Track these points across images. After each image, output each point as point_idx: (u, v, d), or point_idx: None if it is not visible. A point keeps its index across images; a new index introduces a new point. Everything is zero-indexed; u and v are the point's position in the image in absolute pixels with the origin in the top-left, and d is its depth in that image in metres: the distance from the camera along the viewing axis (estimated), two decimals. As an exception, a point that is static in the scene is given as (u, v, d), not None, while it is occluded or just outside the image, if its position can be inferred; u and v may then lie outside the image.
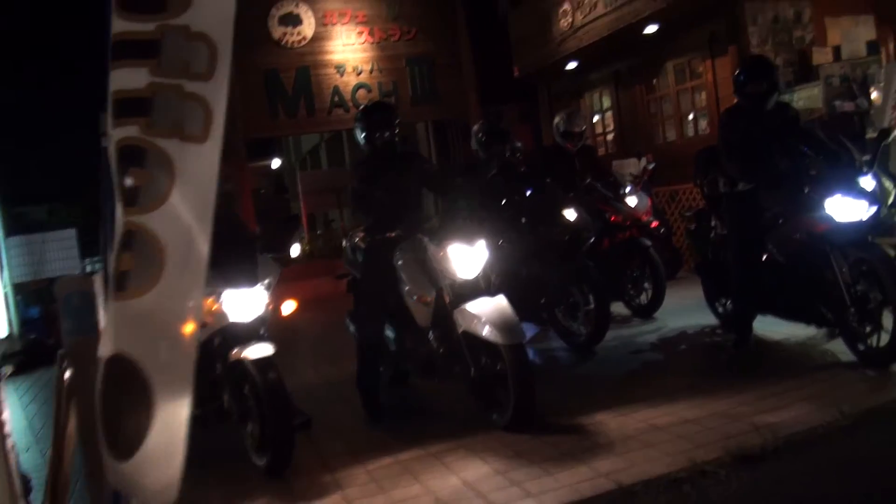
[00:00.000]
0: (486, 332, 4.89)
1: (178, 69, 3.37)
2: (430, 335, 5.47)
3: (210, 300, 4.94)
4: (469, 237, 5.20)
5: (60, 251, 12.85)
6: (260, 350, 4.79)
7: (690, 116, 12.16)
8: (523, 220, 7.19)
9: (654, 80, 12.65)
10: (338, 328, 6.84)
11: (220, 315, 4.96)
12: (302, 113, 14.22)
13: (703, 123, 11.78)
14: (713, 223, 7.05)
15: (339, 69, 14.36)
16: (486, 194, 6.62)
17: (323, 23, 14.37)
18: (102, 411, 3.25)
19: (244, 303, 4.96)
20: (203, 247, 3.47)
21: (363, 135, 5.91)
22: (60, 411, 3.74)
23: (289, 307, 5.52)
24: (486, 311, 4.96)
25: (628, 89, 13.21)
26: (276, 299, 5.42)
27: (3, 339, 11.04)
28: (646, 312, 8.08)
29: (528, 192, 7.51)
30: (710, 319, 7.18)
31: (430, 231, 5.43)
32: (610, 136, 14.13)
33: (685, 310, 7.98)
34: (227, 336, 4.99)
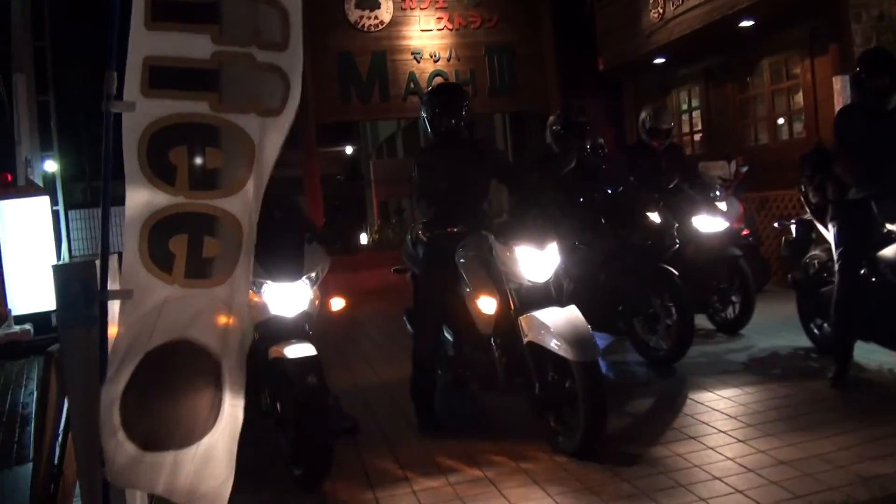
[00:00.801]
0: (555, 345, 4.30)
1: (247, 37, 3.01)
2: (492, 342, 4.91)
3: (252, 293, 4.48)
4: (540, 239, 4.64)
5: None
6: (301, 350, 4.30)
7: (784, 119, 11.37)
8: (602, 220, 6.60)
9: (748, 79, 11.88)
10: (401, 322, 6.34)
11: (261, 307, 4.50)
12: (376, 99, 13.70)
13: (798, 126, 10.98)
14: (813, 234, 6.40)
15: (416, 55, 13.82)
16: (561, 191, 6.03)
17: (401, 7, 13.82)
18: (144, 400, 2.98)
19: (286, 297, 4.48)
20: (254, 228, 3.20)
21: (428, 119, 5.41)
22: (49, 408, 3.34)
23: (338, 304, 5.03)
24: (557, 321, 4.37)
25: (719, 87, 12.44)
26: (326, 293, 4.92)
27: (53, 311, 10.81)
28: (732, 328, 7.41)
29: (609, 191, 6.93)
30: (802, 340, 6.52)
31: (496, 228, 4.86)
32: (697, 137, 13.37)
33: (774, 327, 7.32)
34: (269, 330, 4.51)
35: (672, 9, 11.32)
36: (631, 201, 6.67)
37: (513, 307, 4.66)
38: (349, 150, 24.12)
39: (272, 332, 4.48)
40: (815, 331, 6.38)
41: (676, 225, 6.85)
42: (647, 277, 6.42)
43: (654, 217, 6.54)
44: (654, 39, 11.99)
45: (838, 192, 5.57)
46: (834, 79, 9.53)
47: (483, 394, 5.59)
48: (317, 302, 4.75)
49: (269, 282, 4.47)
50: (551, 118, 7.40)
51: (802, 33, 10.24)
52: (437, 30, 13.99)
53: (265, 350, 4.41)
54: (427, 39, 13.94)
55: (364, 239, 16.71)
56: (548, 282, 4.66)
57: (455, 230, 4.99)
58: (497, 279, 4.76)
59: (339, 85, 13.49)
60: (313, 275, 4.65)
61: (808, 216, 6.45)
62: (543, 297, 4.61)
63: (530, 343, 4.48)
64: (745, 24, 10.51)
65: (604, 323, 6.50)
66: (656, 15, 11.75)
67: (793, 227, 6.68)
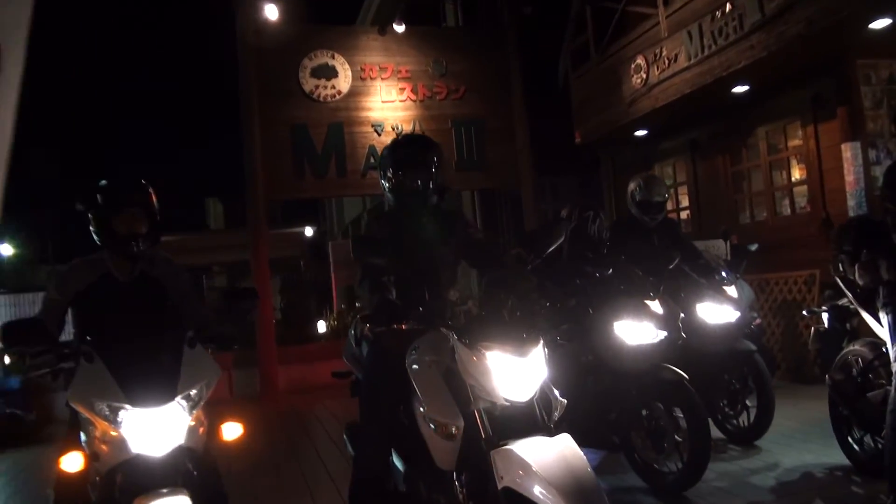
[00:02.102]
0: (541, 494, 2.96)
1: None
2: (455, 479, 3.58)
3: (104, 423, 3.16)
4: (520, 341, 3.34)
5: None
6: (171, 506, 2.98)
7: (784, 193, 10.29)
8: (590, 311, 5.37)
9: (741, 150, 10.80)
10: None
11: (118, 444, 3.17)
12: (332, 174, 12.50)
13: (801, 200, 9.87)
14: (848, 325, 5.23)
15: (377, 127, 12.70)
16: (548, 275, 4.77)
17: (361, 77, 12.77)
18: None
19: (153, 427, 3.15)
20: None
21: (387, 179, 4.23)
22: None
23: (233, 431, 3.67)
24: (545, 460, 3.05)
25: (708, 160, 11.37)
26: (213, 417, 3.58)
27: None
28: (746, 438, 6.16)
29: (597, 275, 5.71)
30: (836, 455, 5.32)
31: (459, 324, 3.58)
32: (684, 214, 12.24)
33: (796, 437, 6.17)
34: (131, 476, 3.18)
35: (657, 73, 10.27)
36: (626, 287, 5.45)
37: (483, 436, 3.33)
38: (309, 231, 23.01)
39: (136, 478, 3.14)
40: (855, 445, 5.20)
41: (682, 315, 5.66)
42: (650, 381, 5.17)
43: (655, 306, 5.33)
44: (637, 108, 10.93)
45: (894, 270, 4.39)
46: (843, 146, 8.51)
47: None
48: (201, 430, 3.41)
49: (127, 406, 3.15)
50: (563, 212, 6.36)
51: (804, 98, 9.21)
52: (400, 101, 12.94)
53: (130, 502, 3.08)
54: (389, 111, 12.87)
55: (322, 327, 15.50)
56: (532, 401, 3.36)
57: (404, 326, 3.67)
58: (461, 395, 3.46)
59: (292, 159, 12.31)
60: (193, 392, 3.32)
61: (843, 302, 5.28)
62: (526, 423, 3.29)
63: (507, 489, 3.16)
64: (739, 89, 9.50)
65: (593, 436, 5.22)
66: (639, 81, 10.69)
67: (824, 316, 5.50)
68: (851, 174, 8.41)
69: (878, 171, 8.33)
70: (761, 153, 10.38)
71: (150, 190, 4.07)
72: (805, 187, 9.69)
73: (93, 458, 3.26)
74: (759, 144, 10.37)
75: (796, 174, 9.96)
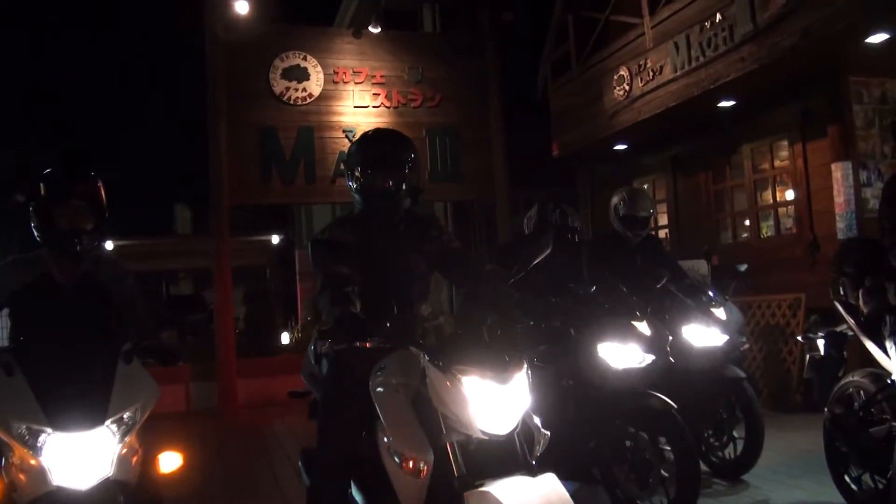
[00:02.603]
0: (523, 547, 2.56)
1: None
2: (422, 521, 3.14)
3: (21, 448, 2.72)
4: (501, 365, 2.91)
5: None
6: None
7: (770, 213, 10.02)
8: (571, 331, 4.97)
9: (725, 167, 10.53)
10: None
11: (38, 474, 2.72)
12: (300, 180, 12.07)
13: (787, 221, 9.58)
14: (845, 353, 4.87)
15: (348, 133, 12.20)
16: (530, 287, 4.36)
17: (333, 80, 12.34)
18: None
19: (78, 455, 2.71)
20: None
21: (354, 178, 3.81)
22: None
23: (171, 462, 3.22)
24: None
25: (689, 177, 11.07)
26: (149, 445, 3.13)
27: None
28: (733, 471, 5.79)
29: (580, 292, 5.32)
30: (829, 492, 4.94)
31: (431, 342, 3.15)
32: (662, 233, 11.92)
33: (785, 470, 5.81)
34: (56, 509, 2.73)
35: (641, 85, 9.95)
36: (611, 306, 5.07)
37: (455, 474, 2.91)
38: (276, 239, 22.60)
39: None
40: (852, 484, 4.80)
41: (671, 338, 5.29)
42: (634, 409, 4.77)
43: (643, 327, 4.95)
44: (618, 121, 10.62)
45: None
46: (833, 166, 8.22)
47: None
48: (135, 459, 2.97)
49: (48, 430, 2.71)
50: (530, 212, 5.97)
51: (792, 114, 8.93)
52: (373, 107, 12.52)
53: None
54: (361, 117, 12.41)
55: (286, 338, 15.09)
56: (512, 434, 2.94)
57: (367, 345, 3.23)
58: (432, 426, 3.03)
59: (259, 163, 11.85)
60: (126, 415, 2.89)
61: (841, 328, 4.93)
62: (505, 460, 2.88)
63: (482, 538, 2.73)
64: (726, 104, 9.21)
65: (572, 468, 4.80)
66: (622, 93, 10.37)
67: (820, 343, 5.14)
68: (842, 195, 8.12)
69: (869, 193, 8.09)
70: (746, 171, 10.09)
71: (99, 183, 3.66)
72: (791, 207, 9.42)
73: (10, 487, 2.81)
74: (744, 162, 10.09)
75: (782, 194, 9.67)
